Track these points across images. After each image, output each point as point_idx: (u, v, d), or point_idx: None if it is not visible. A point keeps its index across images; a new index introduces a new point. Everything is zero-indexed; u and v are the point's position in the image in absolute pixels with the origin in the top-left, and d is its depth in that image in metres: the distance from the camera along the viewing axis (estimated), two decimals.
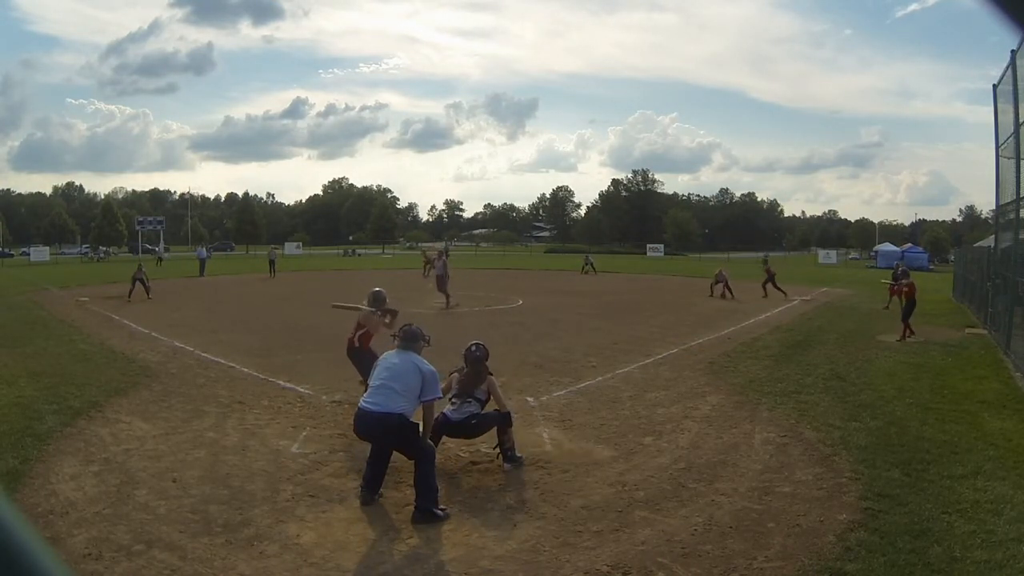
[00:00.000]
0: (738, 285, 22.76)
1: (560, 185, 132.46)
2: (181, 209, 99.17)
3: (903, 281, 14.20)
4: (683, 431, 6.93)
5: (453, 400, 5.88)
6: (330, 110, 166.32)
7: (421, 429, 5.08)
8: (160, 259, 43.98)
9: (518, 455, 5.91)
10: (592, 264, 36.75)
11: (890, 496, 4.99)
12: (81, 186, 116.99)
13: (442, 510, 4.82)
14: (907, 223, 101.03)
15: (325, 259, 57.29)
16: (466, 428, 5.85)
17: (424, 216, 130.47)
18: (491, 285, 26.78)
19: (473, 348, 6.10)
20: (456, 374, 6.07)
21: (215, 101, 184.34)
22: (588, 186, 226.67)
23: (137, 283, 20.68)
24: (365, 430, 5.09)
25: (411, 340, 5.33)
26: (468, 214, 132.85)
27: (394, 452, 5.15)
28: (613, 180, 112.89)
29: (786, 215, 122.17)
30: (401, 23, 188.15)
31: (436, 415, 5.48)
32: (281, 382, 9.04)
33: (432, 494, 4.82)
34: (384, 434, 4.99)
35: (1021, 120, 10.52)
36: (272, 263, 32.09)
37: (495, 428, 5.90)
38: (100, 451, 6.10)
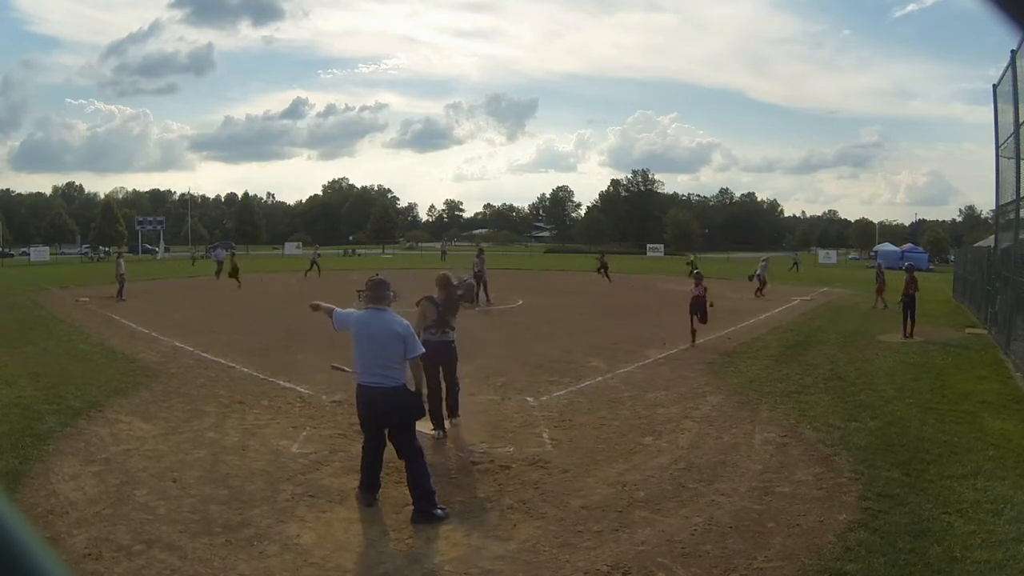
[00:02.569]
0: (741, 285, 22.74)
1: (560, 185, 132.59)
2: (181, 209, 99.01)
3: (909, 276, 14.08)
4: (683, 431, 6.93)
5: (431, 329, 6.56)
6: (330, 110, 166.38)
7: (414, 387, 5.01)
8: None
9: (459, 414, 6.92)
10: (693, 264, 34.10)
11: (890, 496, 4.99)
12: (81, 186, 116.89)
13: (442, 509, 4.81)
14: (907, 223, 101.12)
15: (325, 259, 57.16)
16: (448, 352, 6.69)
17: (424, 216, 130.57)
18: (491, 285, 26.71)
19: (441, 277, 6.97)
20: (426, 301, 6.68)
21: (215, 101, 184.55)
22: (588, 186, 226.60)
23: (120, 281, 20.38)
24: (372, 408, 4.96)
25: (380, 291, 5.12)
26: (468, 214, 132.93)
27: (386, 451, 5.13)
28: (613, 180, 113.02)
29: (786, 215, 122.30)
30: (400, 24, 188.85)
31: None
32: (281, 382, 9.03)
33: (430, 496, 4.81)
34: (391, 409, 4.90)
35: (1021, 120, 10.52)
36: (315, 263, 32.48)
37: (447, 388, 6.76)
38: (100, 451, 6.11)
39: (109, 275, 20.75)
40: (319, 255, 34.87)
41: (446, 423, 6.74)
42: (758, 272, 23.20)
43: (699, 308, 12.48)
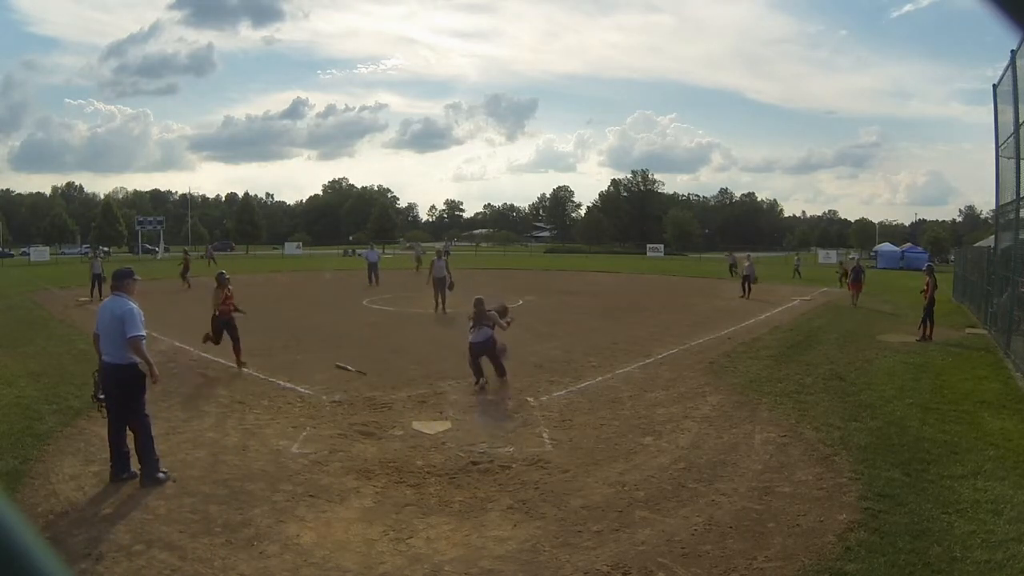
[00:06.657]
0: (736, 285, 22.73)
1: (560, 185, 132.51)
2: (181, 209, 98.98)
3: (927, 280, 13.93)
4: (683, 431, 6.93)
5: (472, 329, 8.88)
6: (329, 111, 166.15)
7: (147, 369, 5.43)
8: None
9: (506, 371, 8.96)
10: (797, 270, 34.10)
11: (890, 496, 4.99)
12: (81, 186, 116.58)
13: (164, 473, 5.37)
14: (907, 223, 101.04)
15: (326, 259, 57.31)
16: (486, 346, 8.80)
17: (424, 216, 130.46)
18: (491, 285, 26.75)
19: (476, 300, 9.19)
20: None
21: (215, 102, 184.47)
22: (587, 186, 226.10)
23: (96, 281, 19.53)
24: (105, 382, 5.48)
25: (117, 279, 5.68)
26: (468, 214, 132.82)
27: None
28: (613, 180, 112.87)
29: (786, 215, 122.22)
30: (398, 25, 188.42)
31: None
32: (281, 382, 9.03)
33: (153, 463, 5.36)
34: (117, 384, 5.41)
35: (1021, 120, 10.52)
36: (419, 259, 32.97)
37: (495, 359, 8.84)
38: (100, 451, 6.08)
39: (108, 275, 20.59)
40: (424, 252, 35.85)
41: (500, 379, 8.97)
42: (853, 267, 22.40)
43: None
